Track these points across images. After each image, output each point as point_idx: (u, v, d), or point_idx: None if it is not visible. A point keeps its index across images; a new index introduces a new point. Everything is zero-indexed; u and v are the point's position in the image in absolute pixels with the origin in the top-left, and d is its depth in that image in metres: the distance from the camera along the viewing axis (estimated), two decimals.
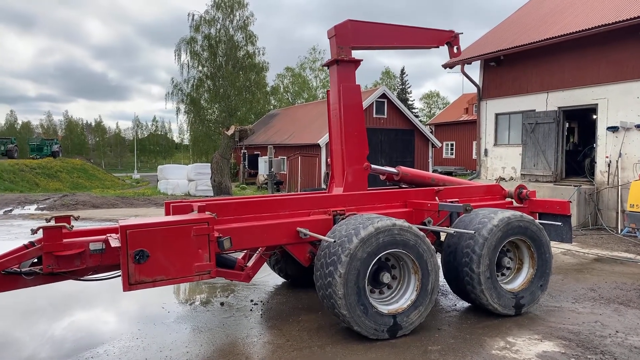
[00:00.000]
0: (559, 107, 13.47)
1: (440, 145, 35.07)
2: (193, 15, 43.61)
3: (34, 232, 4.18)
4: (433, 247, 5.00)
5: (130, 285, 3.95)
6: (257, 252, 5.47)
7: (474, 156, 31.33)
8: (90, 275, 4.56)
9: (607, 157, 12.27)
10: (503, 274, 5.63)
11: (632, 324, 5.20)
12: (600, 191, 12.32)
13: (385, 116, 29.53)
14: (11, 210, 16.18)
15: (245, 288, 6.61)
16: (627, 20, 11.09)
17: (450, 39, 7.15)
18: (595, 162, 12.76)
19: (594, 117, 12.92)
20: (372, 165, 6.53)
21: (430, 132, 35.93)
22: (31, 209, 16.74)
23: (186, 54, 43.89)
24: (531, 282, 5.54)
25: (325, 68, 6.57)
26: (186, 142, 65.51)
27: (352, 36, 6.28)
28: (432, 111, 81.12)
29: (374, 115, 29.07)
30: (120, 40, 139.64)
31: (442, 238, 5.96)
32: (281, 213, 5.15)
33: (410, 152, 30.35)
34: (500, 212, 5.43)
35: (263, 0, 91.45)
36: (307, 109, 37.34)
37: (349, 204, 5.53)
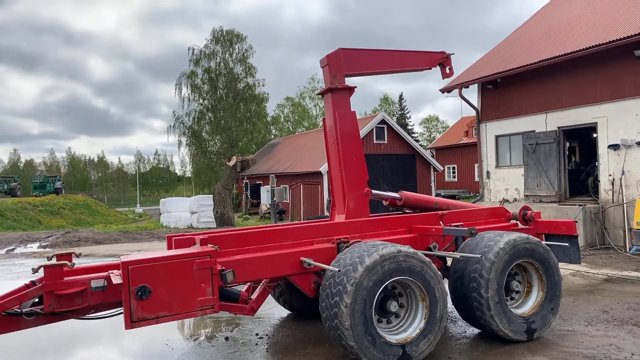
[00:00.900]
0: (558, 127, 13.51)
1: (442, 168, 35.10)
2: (193, 49, 44.53)
3: (34, 271, 4.12)
4: (440, 273, 4.92)
5: (132, 322, 3.86)
6: (261, 284, 5.39)
7: (477, 179, 31.30)
8: (92, 313, 4.48)
9: (610, 175, 12.23)
10: (512, 298, 5.52)
11: None
12: (605, 210, 12.23)
13: (386, 142, 29.66)
14: (13, 249, 16.11)
15: (250, 321, 6.49)
16: (621, 39, 11.23)
17: (442, 59, 7.21)
18: (599, 181, 12.71)
19: (595, 135, 12.94)
20: (373, 191, 6.50)
21: (432, 156, 36.03)
22: (33, 247, 16.67)
23: (187, 87, 44.64)
24: (542, 306, 5.42)
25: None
26: (188, 174, 65.85)
27: (344, 64, 6.35)
28: (432, 135, 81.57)
29: (375, 141, 29.20)
30: (121, 76, 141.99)
31: (449, 263, 5.87)
32: (284, 243, 5.08)
33: (412, 177, 30.34)
34: (506, 235, 5.36)
35: (261, 33, 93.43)
36: (308, 137, 37.58)
37: (353, 231, 5.47)
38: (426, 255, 4.94)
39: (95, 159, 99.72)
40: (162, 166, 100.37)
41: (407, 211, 7.03)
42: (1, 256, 14.54)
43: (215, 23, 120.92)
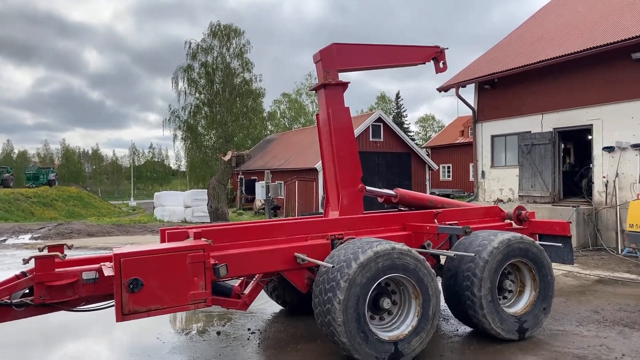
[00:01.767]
0: (554, 128, 13.55)
1: (437, 167, 35.15)
2: (190, 43, 44.23)
3: (25, 261, 4.08)
4: (433, 270, 4.92)
5: (123, 315, 3.84)
6: (254, 279, 5.37)
7: (471, 178, 31.39)
8: (83, 305, 4.45)
9: (604, 177, 12.28)
10: (505, 297, 5.53)
11: (638, 347, 5.08)
12: (599, 211, 12.29)
13: (382, 140, 29.67)
14: (5, 240, 15.99)
15: (242, 316, 6.47)
16: (618, 42, 11.26)
17: (436, 54, 7.17)
18: (593, 183, 12.76)
19: (590, 137, 12.99)
20: (368, 188, 6.48)
21: (427, 155, 36.07)
22: (25, 238, 16.56)
23: (183, 81, 44.35)
24: (534, 305, 5.44)
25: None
26: (183, 168, 65.54)
27: (337, 59, 6.31)
28: (427, 134, 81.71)
29: (371, 139, 29.20)
30: (117, 69, 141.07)
31: (442, 261, 5.87)
32: (278, 238, 5.07)
33: (407, 175, 30.37)
34: (500, 234, 5.36)
35: (258, 29, 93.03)
36: (304, 134, 37.51)
37: (347, 227, 5.46)
38: (420, 253, 4.93)
39: (90, 152, 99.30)
40: (156, 160, 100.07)
41: (402, 209, 7.02)
42: None
43: (211, 17, 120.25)
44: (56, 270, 4.14)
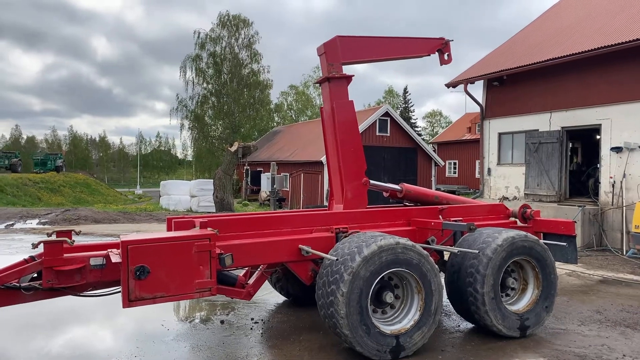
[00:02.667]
0: (562, 127, 13.48)
1: (443, 164, 35.07)
2: (199, 33, 44.24)
3: (34, 246, 4.14)
4: (437, 266, 4.94)
5: (130, 301, 3.89)
6: (259, 269, 5.42)
7: (477, 175, 31.30)
8: (90, 290, 4.51)
9: (611, 177, 12.22)
10: (507, 295, 5.55)
11: None
12: (604, 212, 12.24)
13: (388, 134, 29.60)
14: (13, 225, 16.16)
15: (246, 306, 6.53)
16: (629, 42, 11.15)
17: (440, 46, 7.14)
18: (599, 183, 12.70)
19: (598, 137, 12.91)
20: (373, 182, 6.49)
21: (433, 150, 35.99)
22: (33, 223, 16.71)
23: (191, 70, 44.44)
24: (536, 304, 5.45)
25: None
26: (189, 158, 65.81)
27: (341, 52, 6.29)
28: (434, 130, 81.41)
29: (377, 134, 29.15)
30: (125, 57, 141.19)
31: (446, 257, 5.89)
32: (283, 230, 5.11)
33: (413, 171, 30.34)
34: (504, 232, 5.37)
35: (266, 20, 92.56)
36: (311, 126, 37.50)
37: (352, 221, 5.49)
38: (424, 248, 4.96)
39: (97, 139, 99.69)
40: (163, 149, 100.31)
41: (407, 204, 7.03)
42: (0, 231, 14.60)
43: (219, 8, 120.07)
44: (64, 255, 4.20)
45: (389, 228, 5.61)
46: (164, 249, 4.04)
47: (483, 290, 5.03)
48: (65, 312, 6.12)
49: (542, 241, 5.68)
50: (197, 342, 5.17)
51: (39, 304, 4.46)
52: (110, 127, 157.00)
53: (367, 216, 5.68)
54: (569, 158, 14.20)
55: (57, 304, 5.04)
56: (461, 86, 16.13)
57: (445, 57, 7.18)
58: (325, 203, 7.19)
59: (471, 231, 5.28)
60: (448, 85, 16.67)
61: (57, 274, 4.15)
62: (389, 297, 4.74)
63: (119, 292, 4.02)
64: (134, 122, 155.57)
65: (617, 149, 12.03)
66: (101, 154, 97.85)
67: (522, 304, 5.48)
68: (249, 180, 35.94)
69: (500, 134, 15.73)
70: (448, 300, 5.53)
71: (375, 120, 28.95)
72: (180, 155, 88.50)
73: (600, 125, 12.60)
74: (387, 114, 29.69)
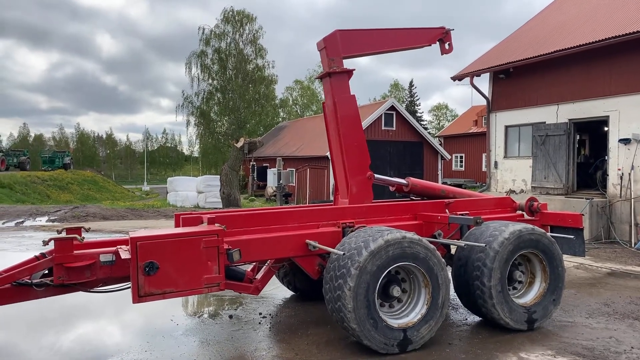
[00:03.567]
0: (569, 119, 13.38)
1: (449, 157, 34.95)
2: (203, 29, 44.23)
3: (45, 243, 4.20)
4: (443, 260, 4.95)
5: (139, 297, 3.95)
6: (266, 264, 5.45)
7: (484, 168, 31.17)
8: (100, 286, 4.57)
9: (619, 169, 12.13)
10: (515, 288, 5.55)
11: None
12: (612, 204, 12.17)
13: (394, 128, 29.53)
14: (22, 222, 16.33)
15: (254, 301, 6.58)
16: (635, 32, 11.04)
17: (441, 35, 7.07)
18: (607, 175, 12.62)
19: (606, 129, 12.82)
20: (379, 176, 6.48)
21: (439, 144, 35.88)
22: (42, 220, 16.88)
23: (197, 67, 44.45)
24: (544, 297, 5.45)
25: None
26: (196, 154, 66.00)
27: (342, 46, 6.25)
28: (440, 123, 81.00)
29: (383, 128, 29.09)
30: (129, 53, 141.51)
31: (453, 251, 5.90)
32: (290, 225, 5.13)
33: (419, 165, 30.27)
34: (511, 225, 5.37)
35: (269, 15, 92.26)
36: (316, 121, 37.45)
37: (358, 216, 5.50)
38: (431, 242, 4.97)
39: (104, 136, 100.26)
40: (169, 145, 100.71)
41: (413, 198, 7.04)
42: (11, 228, 14.77)
43: (223, 3, 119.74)
44: (75, 252, 4.26)
45: (396, 222, 5.62)
46: (172, 245, 4.08)
47: (490, 284, 5.03)
48: (76, 308, 6.20)
49: (549, 234, 5.66)
50: (206, 337, 5.22)
51: (48, 300, 4.52)
52: (116, 124, 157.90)
53: (374, 211, 5.69)
54: (576, 150, 14.11)
55: (67, 300, 5.11)
56: (467, 79, 16.05)
57: (446, 46, 7.13)
58: (332, 198, 7.20)
59: (478, 225, 5.29)
60: (454, 78, 16.58)
61: (67, 271, 4.20)
62: (396, 291, 4.76)
63: (129, 287, 4.08)
64: (140, 119, 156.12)
65: (626, 141, 11.94)
66: (108, 151, 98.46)
67: (529, 297, 5.48)
68: (255, 176, 36.01)
69: (506, 127, 15.65)
70: (455, 294, 5.54)
71: (381, 115, 28.89)
72: (186, 152, 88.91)
73: (607, 116, 12.50)
74: (392, 108, 29.61)
